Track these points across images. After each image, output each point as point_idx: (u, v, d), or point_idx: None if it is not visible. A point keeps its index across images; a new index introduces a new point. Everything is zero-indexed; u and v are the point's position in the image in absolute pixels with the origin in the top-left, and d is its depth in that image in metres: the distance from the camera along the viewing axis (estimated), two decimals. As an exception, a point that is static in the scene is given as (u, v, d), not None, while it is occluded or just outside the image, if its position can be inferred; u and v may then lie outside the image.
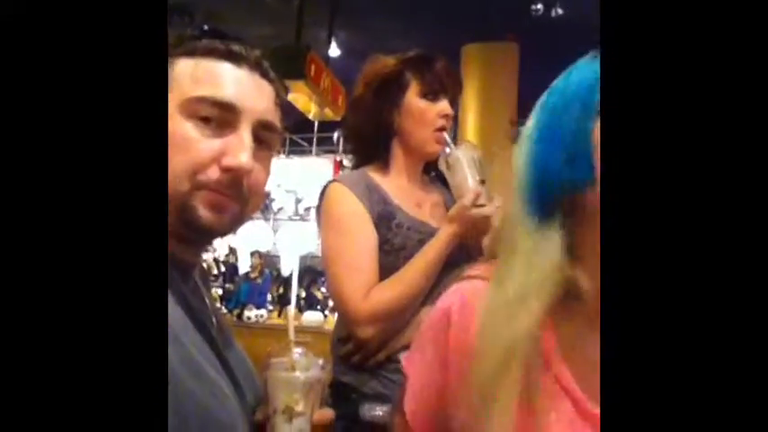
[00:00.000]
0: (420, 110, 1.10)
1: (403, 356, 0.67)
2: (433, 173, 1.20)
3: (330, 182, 1.13)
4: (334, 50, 5.06)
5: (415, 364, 0.63)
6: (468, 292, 0.60)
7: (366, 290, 1.01)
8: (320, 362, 0.64)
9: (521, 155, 0.56)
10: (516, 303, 0.51)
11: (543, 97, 0.58)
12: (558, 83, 0.56)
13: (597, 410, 0.50)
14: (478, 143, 4.79)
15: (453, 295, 0.61)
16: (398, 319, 1.02)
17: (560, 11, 4.21)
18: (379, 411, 1.01)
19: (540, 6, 4.22)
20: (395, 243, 1.06)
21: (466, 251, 1.07)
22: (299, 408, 0.62)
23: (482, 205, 1.02)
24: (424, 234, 1.06)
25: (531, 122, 0.57)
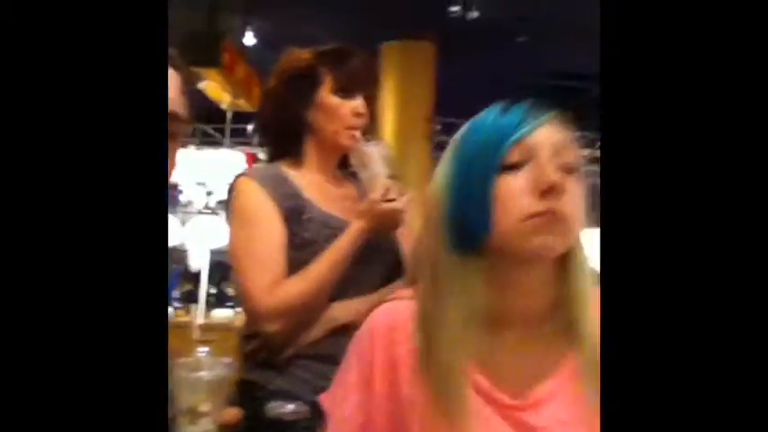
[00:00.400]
0: (333, 106, 1.09)
1: (322, 395, 0.70)
2: (350, 168, 1.20)
3: (238, 176, 1.11)
4: (250, 39, 4.92)
5: (337, 400, 0.67)
6: (391, 311, 0.67)
7: (272, 285, 1.00)
8: (226, 361, 0.62)
9: (436, 194, 0.63)
10: (441, 328, 0.60)
11: (460, 135, 0.63)
12: (473, 124, 0.63)
13: (515, 401, 0.60)
14: (395, 139, 4.84)
15: (378, 316, 0.67)
16: (305, 314, 1.01)
17: (476, 13, 4.34)
18: (284, 409, 1.00)
19: (457, 8, 4.33)
20: (305, 237, 1.04)
21: (377, 246, 1.07)
22: (204, 408, 0.60)
23: (392, 200, 1.03)
24: (336, 229, 1.05)
25: (445, 161, 0.64)
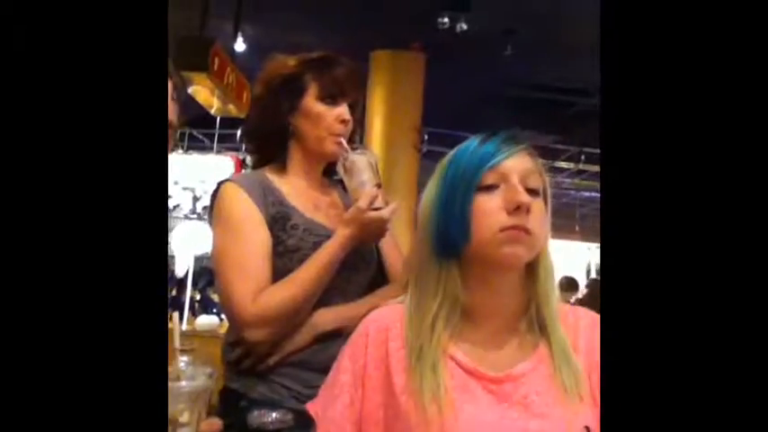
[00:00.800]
0: (317, 113, 1.09)
1: (309, 404, 0.76)
2: (335, 176, 1.20)
3: (223, 181, 1.10)
4: (241, 46, 4.92)
5: (327, 402, 0.73)
6: (384, 314, 0.76)
7: (255, 292, 0.99)
8: (208, 370, 0.61)
9: (425, 209, 0.74)
10: (430, 319, 0.71)
11: (447, 160, 0.74)
12: (456, 152, 0.74)
13: (498, 375, 0.70)
14: (383, 148, 4.86)
15: (371, 319, 0.76)
16: (288, 321, 1.00)
17: (464, 26, 4.37)
18: (267, 418, 0.99)
19: (446, 20, 4.36)
20: (289, 244, 1.04)
21: (360, 254, 1.07)
22: (184, 419, 0.59)
23: (378, 208, 1.03)
24: (321, 236, 1.05)
25: (433, 181, 0.74)
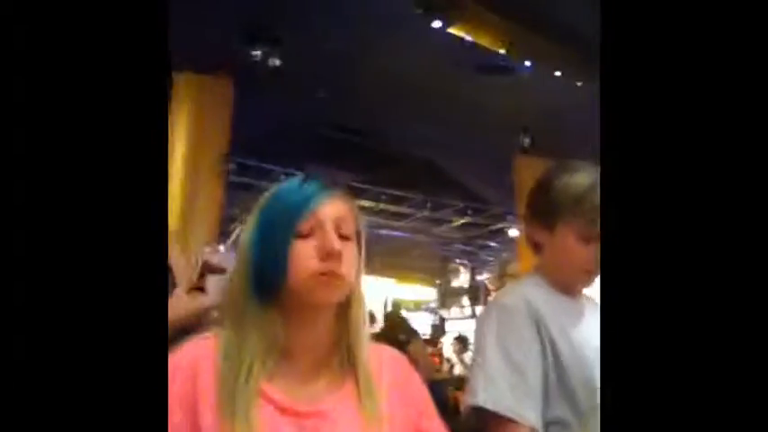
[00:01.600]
0: None
1: None
2: None
3: None
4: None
5: None
6: (195, 348, 0.74)
7: None
8: None
9: (243, 248, 0.75)
10: (245, 357, 0.71)
11: (265, 200, 0.77)
12: (274, 194, 0.77)
13: (307, 409, 0.72)
14: (186, 174, 4.54)
15: (182, 352, 0.74)
16: None
17: (278, 62, 4.41)
18: None
19: (258, 53, 4.35)
20: None
21: None
22: None
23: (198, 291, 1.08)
24: None
25: (251, 221, 0.76)
